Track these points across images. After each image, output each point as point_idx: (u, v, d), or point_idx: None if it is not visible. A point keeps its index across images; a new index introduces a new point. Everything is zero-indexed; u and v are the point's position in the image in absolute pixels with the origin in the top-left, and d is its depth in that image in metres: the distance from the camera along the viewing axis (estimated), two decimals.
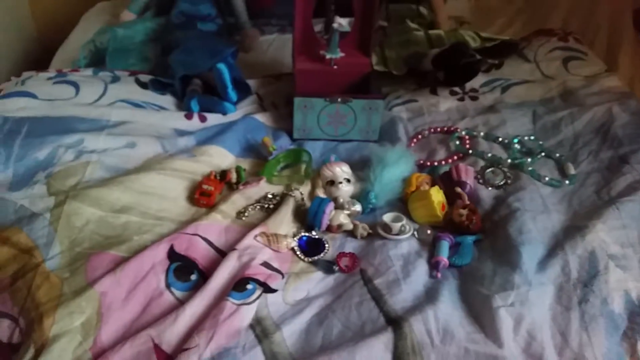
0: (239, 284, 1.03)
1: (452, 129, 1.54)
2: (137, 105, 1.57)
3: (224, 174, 1.32)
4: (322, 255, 1.16)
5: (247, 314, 1.00)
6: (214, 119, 1.56)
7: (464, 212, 1.21)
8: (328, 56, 1.59)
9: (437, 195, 1.23)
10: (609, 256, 1.11)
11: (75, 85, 1.56)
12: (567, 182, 1.34)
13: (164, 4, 1.98)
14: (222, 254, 1.13)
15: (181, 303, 1.02)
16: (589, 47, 1.91)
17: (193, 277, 1.08)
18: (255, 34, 2.03)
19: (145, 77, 1.67)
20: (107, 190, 1.22)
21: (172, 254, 1.10)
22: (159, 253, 1.09)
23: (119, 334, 0.99)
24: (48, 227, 1.13)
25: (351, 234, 1.23)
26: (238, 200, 1.28)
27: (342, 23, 1.56)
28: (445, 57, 1.61)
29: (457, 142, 1.48)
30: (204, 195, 1.26)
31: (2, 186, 1.25)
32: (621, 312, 1.02)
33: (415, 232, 1.21)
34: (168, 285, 1.06)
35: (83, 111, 1.48)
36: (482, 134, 1.52)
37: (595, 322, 1.00)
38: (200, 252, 1.12)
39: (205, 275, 1.08)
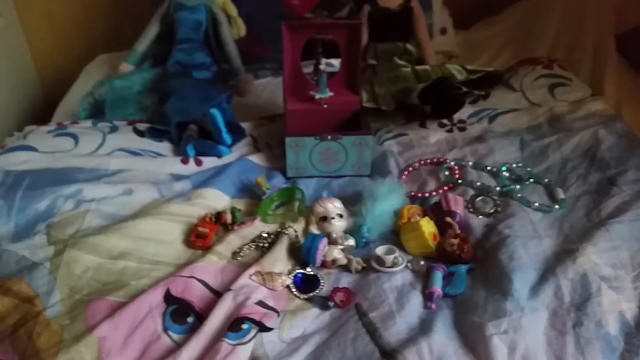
0: (235, 324, 1.04)
1: (441, 160, 1.57)
2: (134, 153, 1.61)
3: (219, 215, 1.34)
4: (317, 291, 1.17)
5: (243, 354, 1.01)
6: (209, 162, 1.60)
7: (455, 241, 1.22)
8: (317, 96, 1.63)
9: (427, 226, 1.25)
10: (600, 278, 1.11)
11: (75, 137, 1.61)
12: (556, 206, 1.35)
13: (160, 55, 2.04)
14: (218, 295, 1.14)
15: (178, 346, 1.04)
16: (575, 73, 1.94)
17: (189, 319, 1.10)
18: (249, 79, 2.09)
19: (142, 126, 1.71)
20: (104, 237, 1.25)
21: (169, 297, 1.11)
22: (156, 297, 1.11)
23: None
24: (48, 276, 1.16)
25: (346, 268, 1.24)
26: (233, 240, 1.30)
27: (330, 63, 1.62)
28: (431, 91, 1.65)
29: (447, 173, 1.51)
30: (200, 237, 1.28)
31: (4, 238, 1.28)
32: (617, 334, 1.02)
33: (409, 264, 1.22)
34: (165, 329, 1.07)
35: (82, 162, 1.52)
36: (470, 163, 1.54)
37: (591, 345, 1.00)
38: (196, 294, 1.14)
39: (201, 317, 1.09)
